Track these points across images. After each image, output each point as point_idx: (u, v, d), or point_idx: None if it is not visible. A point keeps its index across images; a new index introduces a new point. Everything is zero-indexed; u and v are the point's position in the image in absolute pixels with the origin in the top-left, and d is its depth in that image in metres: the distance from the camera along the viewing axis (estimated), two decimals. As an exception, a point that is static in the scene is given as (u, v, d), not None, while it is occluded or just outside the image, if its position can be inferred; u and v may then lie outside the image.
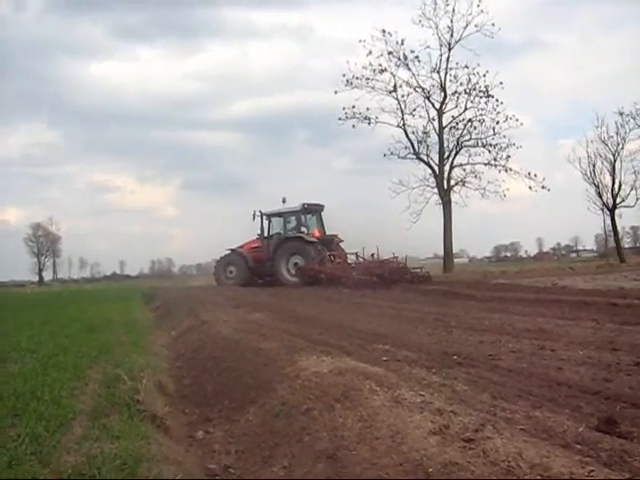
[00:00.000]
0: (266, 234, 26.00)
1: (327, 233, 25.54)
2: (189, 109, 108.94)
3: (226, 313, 13.30)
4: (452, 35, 31.77)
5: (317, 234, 25.44)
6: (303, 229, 25.29)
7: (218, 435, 5.56)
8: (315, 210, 25.98)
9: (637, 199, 36.31)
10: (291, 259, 24.47)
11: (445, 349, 7.50)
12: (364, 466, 3.77)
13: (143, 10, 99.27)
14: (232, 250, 26.87)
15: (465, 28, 31.47)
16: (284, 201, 25.74)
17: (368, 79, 31.64)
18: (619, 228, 40.88)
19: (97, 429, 4.67)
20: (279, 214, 26.09)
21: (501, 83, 31.18)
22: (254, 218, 25.95)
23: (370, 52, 31.50)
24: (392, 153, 32.37)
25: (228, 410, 6.20)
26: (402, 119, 32.20)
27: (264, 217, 26.08)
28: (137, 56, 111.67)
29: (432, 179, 32.15)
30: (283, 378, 6.16)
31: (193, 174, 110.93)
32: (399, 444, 3.94)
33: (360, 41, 31.57)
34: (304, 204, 25.28)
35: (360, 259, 24.22)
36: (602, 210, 38.19)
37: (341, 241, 25.19)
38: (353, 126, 32.13)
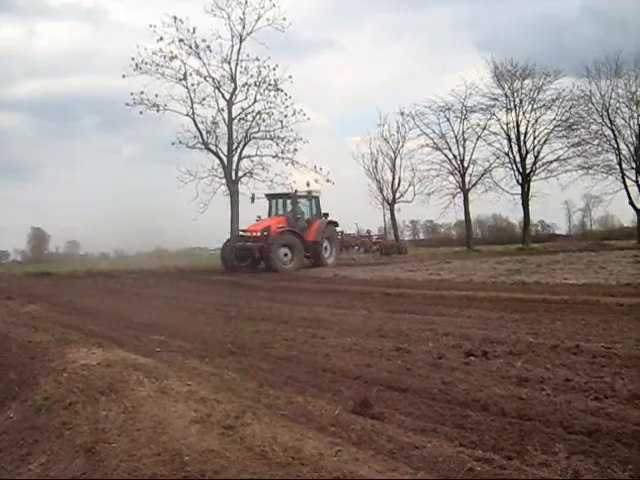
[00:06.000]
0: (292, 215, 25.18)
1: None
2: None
3: (-3, 305, 12.48)
4: (244, 27, 31.57)
5: None
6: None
7: (-26, 436, 5.19)
8: None
9: (414, 195, 38.82)
10: (325, 243, 24.80)
11: (221, 339, 7.58)
12: (122, 458, 3.70)
13: None
14: (284, 230, 23.70)
15: (257, 21, 31.44)
16: (308, 185, 25.98)
17: (158, 65, 30.57)
18: (399, 222, 43.61)
19: None
20: (306, 196, 25.62)
21: (290, 77, 31.47)
22: (253, 200, 26.07)
23: (161, 38, 30.48)
24: (181, 142, 31.54)
25: (-12, 408, 5.82)
26: (192, 108, 31.44)
27: (290, 199, 25.50)
28: None
29: (220, 170, 31.94)
30: (49, 372, 5.92)
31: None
32: (160, 434, 3.93)
33: (150, 26, 30.37)
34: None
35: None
36: (382, 204, 40.51)
37: None
38: (141, 112, 30.66)
